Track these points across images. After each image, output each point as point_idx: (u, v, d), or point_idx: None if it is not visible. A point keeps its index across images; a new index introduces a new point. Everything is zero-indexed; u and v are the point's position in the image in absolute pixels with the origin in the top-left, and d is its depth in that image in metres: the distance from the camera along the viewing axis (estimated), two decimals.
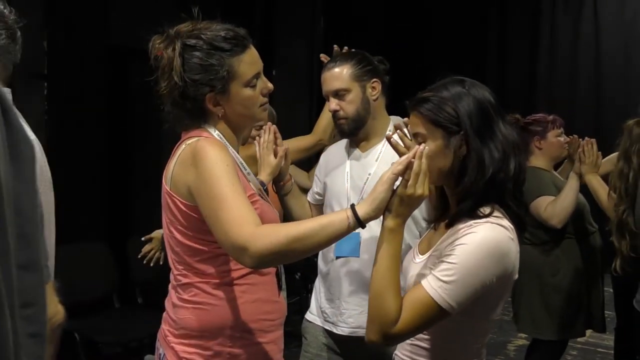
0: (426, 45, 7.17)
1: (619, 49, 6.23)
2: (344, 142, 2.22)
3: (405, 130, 1.68)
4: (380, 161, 2.06)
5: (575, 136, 2.91)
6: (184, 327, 1.52)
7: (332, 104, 2.07)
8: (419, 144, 1.37)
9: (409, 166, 1.30)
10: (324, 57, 2.47)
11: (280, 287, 1.63)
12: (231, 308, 1.51)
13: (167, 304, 1.60)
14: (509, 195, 1.36)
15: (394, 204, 1.31)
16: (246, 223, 1.32)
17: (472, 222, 1.32)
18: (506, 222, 1.32)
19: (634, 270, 2.35)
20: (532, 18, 6.80)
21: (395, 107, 2.20)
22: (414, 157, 1.30)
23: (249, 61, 1.51)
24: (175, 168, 1.48)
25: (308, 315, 2.23)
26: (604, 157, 2.86)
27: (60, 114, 3.90)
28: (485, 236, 1.28)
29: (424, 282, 1.29)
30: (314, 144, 2.52)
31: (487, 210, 1.33)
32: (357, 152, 2.14)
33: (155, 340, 1.63)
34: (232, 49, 1.48)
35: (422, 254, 1.45)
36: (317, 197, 2.26)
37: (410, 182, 1.29)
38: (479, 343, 1.40)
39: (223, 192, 1.36)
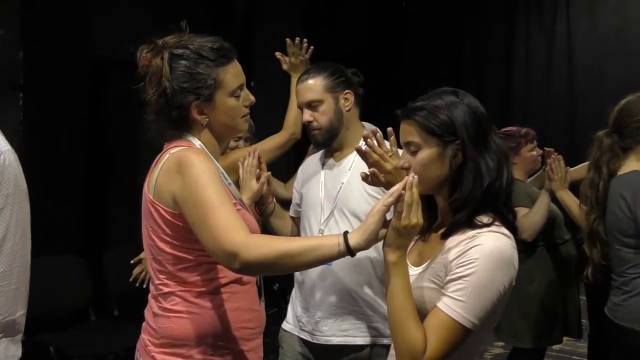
0: (404, 59, 7.25)
1: (592, 63, 6.36)
2: (319, 154, 2.26)
3: (375, 140, 1.70)
4: (353, 170, 2.09)
5: (551, 149, 2.95)
6: (165, 336, 1.53)
7: (306, 115, 2.11)
8: (412, 152, 1.38)
9: (400, 198, 1.29)
10: (279, 55, 2.53)
11: (260, 296, 1.65)
12: (212, 316, 1.52)
13: (147, 313, 1.60)
14: (503, 204, 1.37)
15: (392, 238, 1.31)
16: (236, 230, 1.35)
17: (473, 232, 1.33)
18: (506, 230, 1.34)
19: (605, 278, 2.39)
20: (506, 32, 6.92)
21: (371, 116, 2.24)
22: (404, 189, 1.29)
23: (234, 72, 1.56)
24: (159, 176, 1.49)
25: (285, 325, 2.24)
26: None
27: (36, 124, 3.87)
28: (493, 247, 1.29)
29: (441, 305, 1.30)
30: (287, 139, 2.52)
31: (484, 219, 1.35)
32: (331, 161, 2.18)
33: (133, 353, 1.63)
34: (218, 59, 1.53)
35: (416, 265, 1.45)
36: (298, 209, 2.28)
37: (404, 214, 1.28)
38: (477, 350, 1.42)
39: (211, 199, 1.38)
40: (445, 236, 1.38)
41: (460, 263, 1.30)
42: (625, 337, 2.25)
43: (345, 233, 1.34)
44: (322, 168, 2.19)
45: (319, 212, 2.12)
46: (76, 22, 4.09)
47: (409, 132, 1.39)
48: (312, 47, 2.51)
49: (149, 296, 1.61)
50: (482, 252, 1.29)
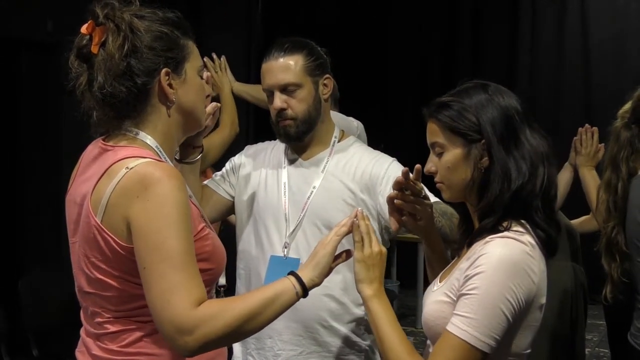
0: (388, 34, 7.27)
1: (610, 41, 6.46)
2: (279, 146, 2.21)
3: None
4: (327, 172, 2.08)
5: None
6: None
7: (278, 100, 2.05)
8: (437, 154, 1.54)
9: (354, 228, 1.52)
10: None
11: None
12: (174, 357, 1.48)
13: (82, 356, 1.54)
14: (537, 211, 1.47)
15: (361, 272, 1.52)
16: (198, 301, 1.35)
17: (487, 238, 1.44)
18: (527, 238, 1.43)
19: (626, 298, 2.42)
20: (510, 6, 7.01)
21: (347, 106, 2.25)
22: (356, 219, 1.52)
23: (197, 51, 1.60)
24: (113, 197, 1.40)
25: None
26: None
27: None
28: (501, 255, 1.40)
29: (449, 327, 1.40)
30: (232, 137, 2.49)
31: (515, 227, 1.45)
32: (297, 159, 2.14)
33: None
34: (184, 29, 1.56)
35: (441, 281, 1.57)
36: (222, 186, 2.20)
37: (365, 244, 1.51)
38: None
39: (177, 250, 1.35)
40: (469, 245, 1.51)
41: (467, 275, 1.42)
42: None
43: (294, 272, 1.46)
44: (284, 165, 2.15)
45: (282, 221, 2.08)
46: None
47: (434, 132, 1.54)
48: (223, 56, 2.65)
49: (84, 334, 1.55)
50: (489, 262, 1.40)
